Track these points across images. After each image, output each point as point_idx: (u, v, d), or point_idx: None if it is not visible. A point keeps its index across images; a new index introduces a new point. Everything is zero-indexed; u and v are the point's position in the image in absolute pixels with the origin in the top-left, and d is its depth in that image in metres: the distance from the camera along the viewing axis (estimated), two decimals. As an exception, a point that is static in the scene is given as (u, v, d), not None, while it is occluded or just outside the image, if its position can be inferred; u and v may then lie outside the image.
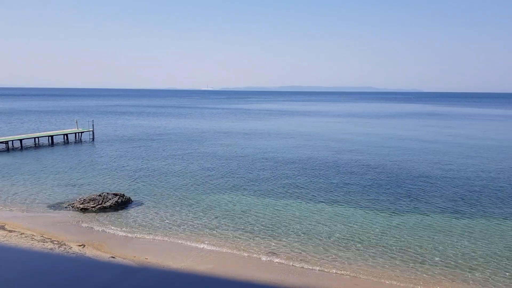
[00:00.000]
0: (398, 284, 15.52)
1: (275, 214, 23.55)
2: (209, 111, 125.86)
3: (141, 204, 25.22)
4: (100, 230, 20.85)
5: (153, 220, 22.33)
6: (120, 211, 23.61)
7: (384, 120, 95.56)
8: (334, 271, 16.50)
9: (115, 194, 25.01)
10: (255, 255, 17.99)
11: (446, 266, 16.99)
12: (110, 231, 20.73)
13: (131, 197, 25.77)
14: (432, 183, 30.87)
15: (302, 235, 20.34)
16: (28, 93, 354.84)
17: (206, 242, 19.40)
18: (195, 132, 65.22)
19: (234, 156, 42.17)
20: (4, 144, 45.15)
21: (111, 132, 63.56)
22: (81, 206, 23.78)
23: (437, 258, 17.70)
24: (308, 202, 25.89)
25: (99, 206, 23.72)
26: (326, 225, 21.71)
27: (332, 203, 25.82)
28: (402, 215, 23.42)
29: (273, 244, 19.25)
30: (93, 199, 24.22)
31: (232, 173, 34.28)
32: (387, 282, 15.65)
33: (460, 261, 17.49)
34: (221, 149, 47.18)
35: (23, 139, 47.47)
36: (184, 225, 21.64)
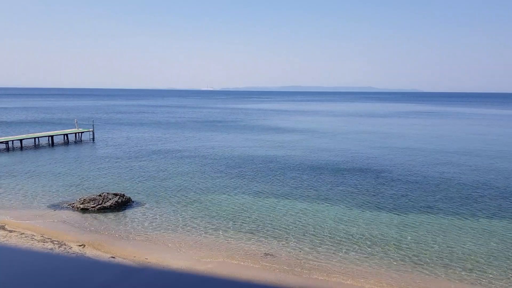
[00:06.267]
0: (399, 283, 15.52)
1: (275, 213, 23.55)
2: (208, 110, 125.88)
3: (141, 204, 25.23)
4: (100, 230, 20.85)
5: (153, 220, 22.33)
6: (120, 211, 23.61)
7: (383, 119, 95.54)
8: (335, 271, 16.50)
9: (115, 194, 25.01)
10: (255, 255, 17.99)
11: (446, 267, 17.00)
12: (110, 231, 20.73)
13: (131, 197, 25.77)
14: (431, 183, 30.87)
15: (302, 234, 20.34)
16: (28, 93, 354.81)
17: (206, 242, 19.40)
18: (195, 132, 65.23)
19: (234, 156, 42.17)
20: (4, 144, 45.16)
21: (111, 132, 63.57)
22: (81, 206, 23.78)
23: (436, 257, 17.71)
24: (307, 202, 25.88)
25: (99, 206, 23.71)
26: (326, 225, 21.70)
27: (331, 202, 25.80)
28: (403, 215, 23.40)
29: (273, 243, 19.24)
30: (93, 199, 24.22)
31: (231, 172, 34.28)
32: (388, 281, 15.65)
33: (461, 261, 17.49)
34: (221, 149, 47.18)
35: (23, 139, 47.49)
36: (184, 225, 21.64)
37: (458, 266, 17.01)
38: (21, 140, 46.88)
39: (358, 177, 32.73)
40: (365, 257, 17.85)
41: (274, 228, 21.22)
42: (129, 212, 23.61)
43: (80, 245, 18.44)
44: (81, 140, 53.02)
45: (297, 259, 17.64)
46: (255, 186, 29.79)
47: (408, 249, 18.66)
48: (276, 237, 20.01)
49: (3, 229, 20.24)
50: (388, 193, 28.21)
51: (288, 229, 21.08)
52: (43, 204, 25.00)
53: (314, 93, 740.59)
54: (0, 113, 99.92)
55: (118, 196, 24.76)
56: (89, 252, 17.81)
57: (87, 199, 24.36)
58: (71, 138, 53.35)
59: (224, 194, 27.76)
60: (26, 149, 45.58)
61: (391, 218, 23.00)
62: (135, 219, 22.46)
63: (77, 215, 23.02)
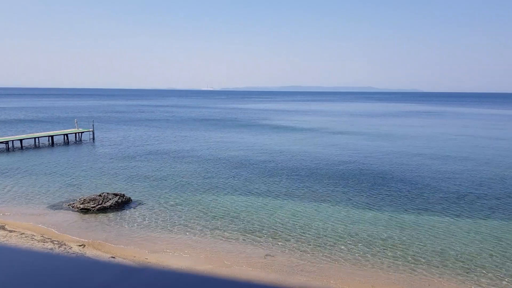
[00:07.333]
0: (396, 283, 15.52)
1: (274, 214, 23.55)
2: (208, 110, 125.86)
3: (141, 204, 25.23)
4: (100, 230, 20.85)
5: (153, 220, 22.33)
6: (120, 211, 23.61)
7: (383, 119, 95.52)
8: (335, 271, 16.50)
9: (115, 194, 25.01)
10: (255, 255, 18.00)
11: (442, 267, 17.00)
12: (110, 231, 20.72)
13: (131, 197, 25.78)
14: (427, 184, 30.88)
15: (302, 235, 20.34)
16: (28, 93, 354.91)
17: (206, 242, 19.41)
18: (195, 132, 65.22)
19: (234, 156, 42.17)
20: (4, 144, 45.16)
21: (111, 132, 63.57)
22: (81, 206, 23.78)
23: (431, 258, 17.72)
24: (307, 202, 25.89)
25: (99, 206, 23.72)
26: (326, 225, 21.70)
27: (330, 203, 25.81)
28: (401, 216, 23.40)
29: (273, 243, 19.25)
30: (93, 199, 24.22)
31: (231, 173, 34.28)
32: (386, 282, 15.65)
33: (457, 262, 17.50)
34: (221, 149, 47.18)
35: (23, 139, 47.50)
36: (184, 225, 21.64)
37: (453, 266, 17.01)
38: (21, 140, 46.89)
39: (356, 178, 32.73)
40: (364, 257, 17.85)
41: (274, 229, 21.22)
42: (129, 212, 23.62)
43: (80, 245, 18.44)
44: (81, 140, 53.02)
45: (297, 259, 17.64)
46: (255, 187, 29.79)
47: (405, 250, 18.65)
48: (276, 238, 20.01)
49: (3, 229, 20.24)
50: (386, 194, 28.21)
51: (288, 230, 21.08)
52: (43, 204, 25.00)
53: (314, 93, 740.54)
54: (0, 113, 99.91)
55: (118, 196, 24.77)
56: (89, 252, 17.81)
57: (87, 199, 24.36)
58: (71, 138, 53.34)
59: (224, 194, 27.76)
60: (26, 149, 45.58)
61: (389, 218, 23.00)
62: (135, 219, 22.46)
63: (77, 215, 23.03)
